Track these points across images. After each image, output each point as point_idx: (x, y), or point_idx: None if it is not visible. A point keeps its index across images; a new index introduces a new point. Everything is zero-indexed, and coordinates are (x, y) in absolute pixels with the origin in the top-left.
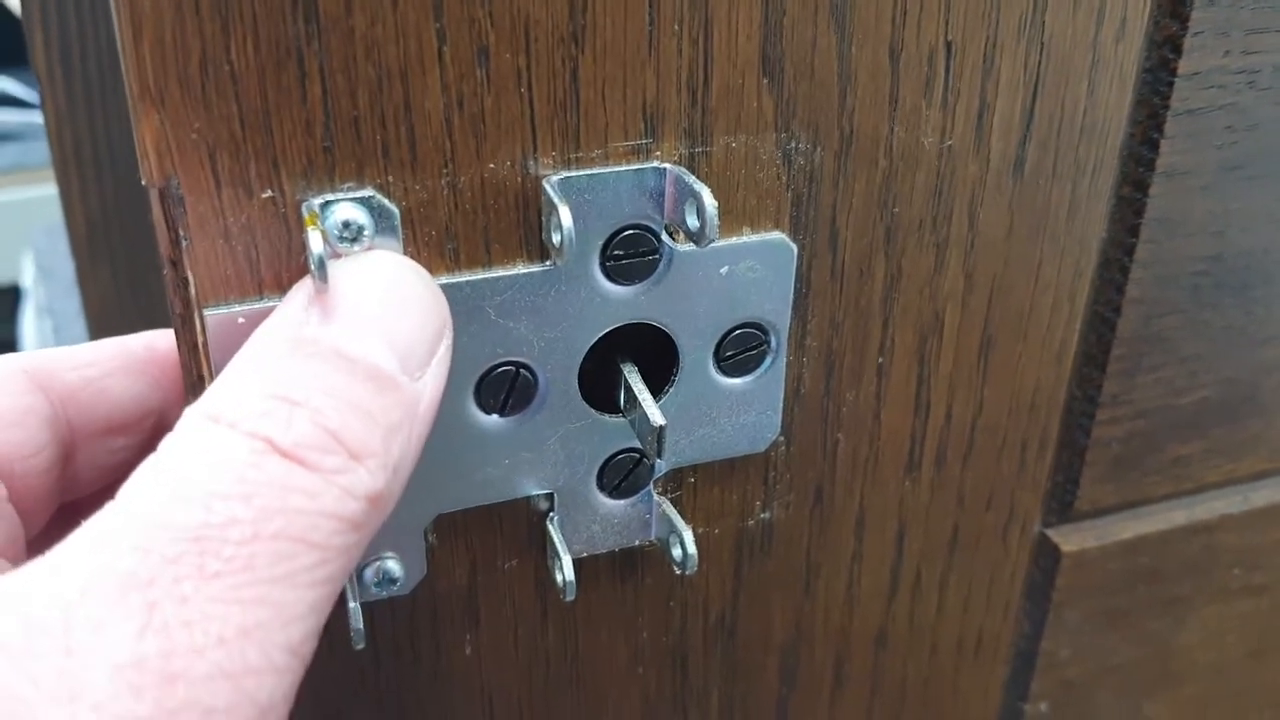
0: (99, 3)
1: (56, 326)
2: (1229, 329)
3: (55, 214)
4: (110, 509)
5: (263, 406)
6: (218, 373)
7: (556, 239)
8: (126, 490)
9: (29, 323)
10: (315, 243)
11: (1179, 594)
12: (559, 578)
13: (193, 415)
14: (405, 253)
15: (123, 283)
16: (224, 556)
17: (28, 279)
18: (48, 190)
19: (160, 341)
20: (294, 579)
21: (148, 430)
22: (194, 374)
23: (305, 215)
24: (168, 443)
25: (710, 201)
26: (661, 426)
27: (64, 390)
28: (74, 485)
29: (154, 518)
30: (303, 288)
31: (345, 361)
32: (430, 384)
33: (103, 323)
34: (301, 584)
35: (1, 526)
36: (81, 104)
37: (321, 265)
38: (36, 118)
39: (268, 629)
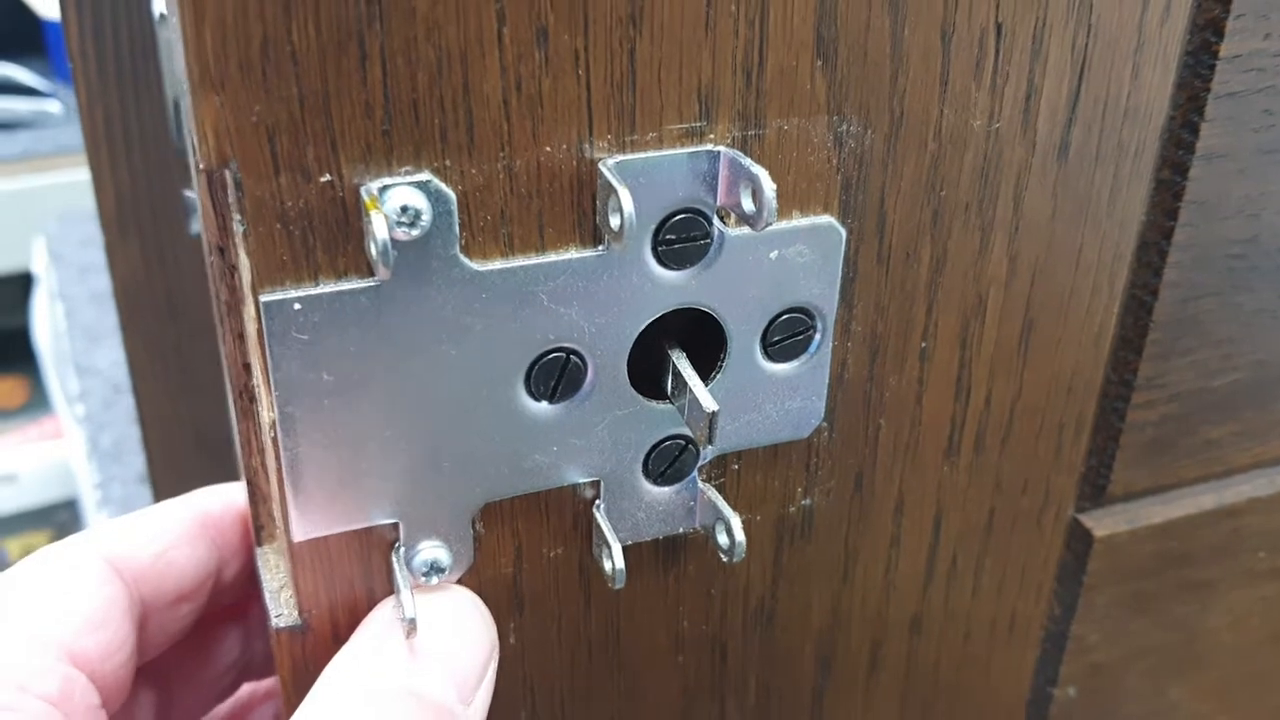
0: None
1: (68, 311)
2: (1261, 311)
3: (67, 201)
4: None
5: None
6: (273, 361)
7: (615, 223)
8: None
9: (41, 308)
10: (379, 227)
11: (1206, 578)
12: (608, 566)
13: None
14: (460, 238)
15: (152, 262)
16: None
17: (40, 265)
18: (60, 178)
19: (213, 504)
20: None
21: (208, 591)
22: (239, 363)
23: (365, 199)
24: None
25: (769, 185)
26: (714, 412)
27: (137, 570)
28: (144, 654)
29: None
30: (375, 620)
31: (419, 703)
32: (479, 705)
33: (131, 297)
34: None
35: None
36: (113, 81)
37: (385, 250)
38: (48, 106)
39: None
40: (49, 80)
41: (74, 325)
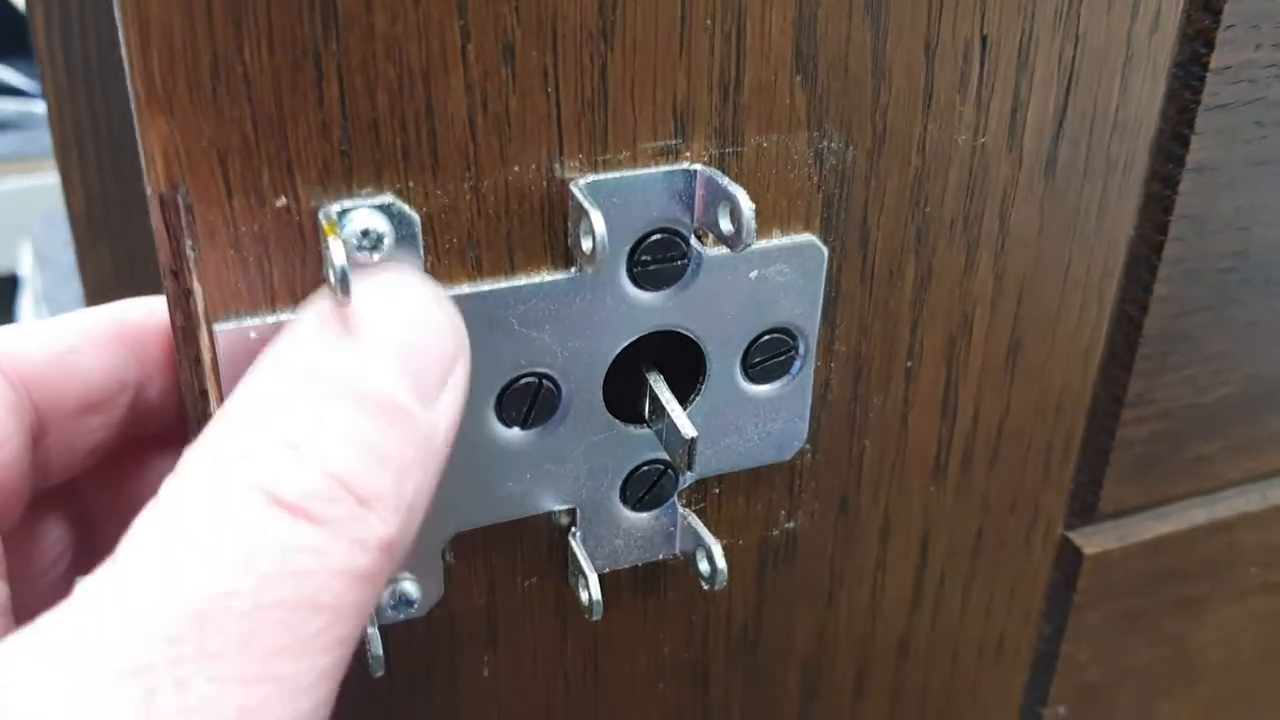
0: None
1: (54, 313)
2: (1253, 325)
3: (54, 202)
4: (108, 572)
5: (267, 453)
6: (228, 391)
7: (588, 245)
8: (126, 548)
9: (27, 311)
10: (337, 253)
11: (1198, 593)
12: (584, 596)
13: (196, 460)
14: (425, 261)
15: (122, 266)
16: (225, 632)
17: (26, 267)
18: (46, 179)
19: (134, 312)
20: (301, 648)
21: (124, 406)
22: (195, 389)
23: (324, 224)
24: (169, 490)
25: (747, 205)
26: (693, 439)
27: (28, 370)
28: (46, 472)
29: (154, 590)
30: (313, 308)
31: (352, 392)
32: (445, 411)
33: (101, 299)
34: (310, 651)
35: None
36: (82, 86)
37: (344, 278)
38: (35, 107)
39: (272, 704)
40: (34, 81)
41: None
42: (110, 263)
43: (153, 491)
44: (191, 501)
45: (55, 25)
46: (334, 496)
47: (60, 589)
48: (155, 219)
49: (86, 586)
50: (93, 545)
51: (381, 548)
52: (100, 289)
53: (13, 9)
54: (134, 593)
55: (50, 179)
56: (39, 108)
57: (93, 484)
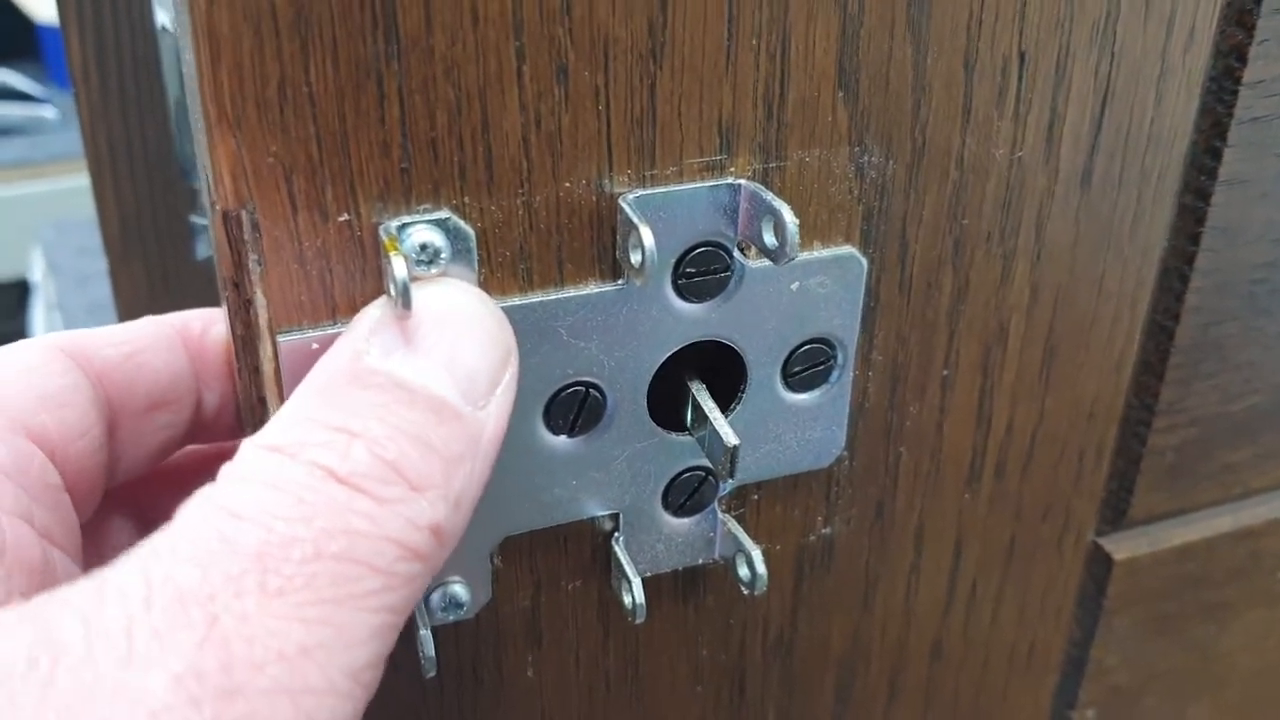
0: (134, 1)
1: (66, 321)
2: None
3: (64, 209)
4: (167, 529)
5: (321, 437)
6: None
7: (636, 259)
8: (184, 513)
9: (39, 318)
10: (399, 269)
11: (1224, 599)
12: (628, 600)
13: (250, 446)
14: (479, 274)
15: (156, 280)
16: (285, 574)
17: (37, 274)
18: (56, 185)
19: (195, 323)
20: (357, 602)
21: (189, 410)
22: (253, 397)
23: (384, 239)
24: (225, 471)
25: (791, 219)
26: (735, 446)
27: (102, 366)
28: (116, 468)
29: (214, 537)
30: (366, 316)
31: (405, 392)
32: (494, 414)
33: (133, 314)
34: (365, 608)
35: (58, 516)
36: (116, 102)
37: (405, 292)
38: (44, 112)
39: (329, 649)
40: (44, 85)
41: None
42: (145, 283)
43: None
44: (248, 476)
45: (89, 40)
46: (386, 478)
47: None
48: (217, 233)
49: (147, 541)
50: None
51: (432, 529)
52: (134, 310)
53: (20, 15)
54: (196, 540)
55: (59, 184)
56: (48, 113)
57: (152, 492)
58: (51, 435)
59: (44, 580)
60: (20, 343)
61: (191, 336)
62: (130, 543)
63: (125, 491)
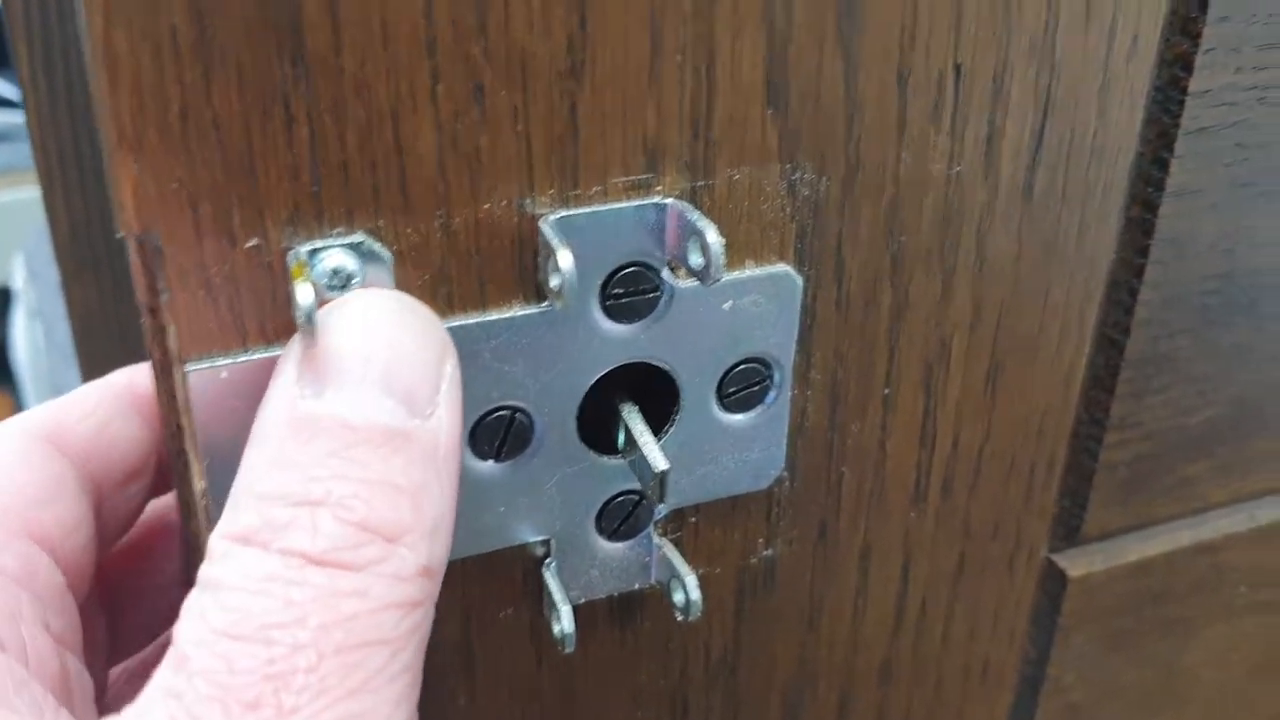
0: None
1: (47, 329)
2: (1238, 346)
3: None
4: (172, 664)
5: (284, 516)
6: (201, 432)
7: (555, 283)
8: (182, 639)
9: (20, 326)
10: (303, 295)
11: (1185, 614)
12: (557, 629)
13: (220, 540)
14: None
15: (107, 290)
16: (297, 688)
17: (19, 281)
18: (38, 192)
19: (140, 378)
20: (372, 682)
21: (153, 472)
22: (173, 423)
23: (292, 265)
24: (205, 576)
25: (716, 239)
26: (664, 471)
27: (80, 447)
28: (101, 542)
29: (222, 669)
30: (291, 354)
31: (350, 432)
32: (444, 418)
33: (89, 330)
34: (381, 683)
35: (67, 618)
36: (65, 111)
37: (310, 319)
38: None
39: None
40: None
41: (54, 342)
42: (96, 294)
43: (158, 557)
44: (231, 583)
45: (39, 51)
46: (359, 541)
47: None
48: (133, 258)
49: (156, 680)
50: (123, 612)
51: (420, 573)
52: (87, 321)
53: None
54: (205, 674)
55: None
56: None
57: (117, 560)
58: (51, 534)
59: (63, 691)
60: None
61: (141, 393)
62: (102, 622)
63: (105, 563)
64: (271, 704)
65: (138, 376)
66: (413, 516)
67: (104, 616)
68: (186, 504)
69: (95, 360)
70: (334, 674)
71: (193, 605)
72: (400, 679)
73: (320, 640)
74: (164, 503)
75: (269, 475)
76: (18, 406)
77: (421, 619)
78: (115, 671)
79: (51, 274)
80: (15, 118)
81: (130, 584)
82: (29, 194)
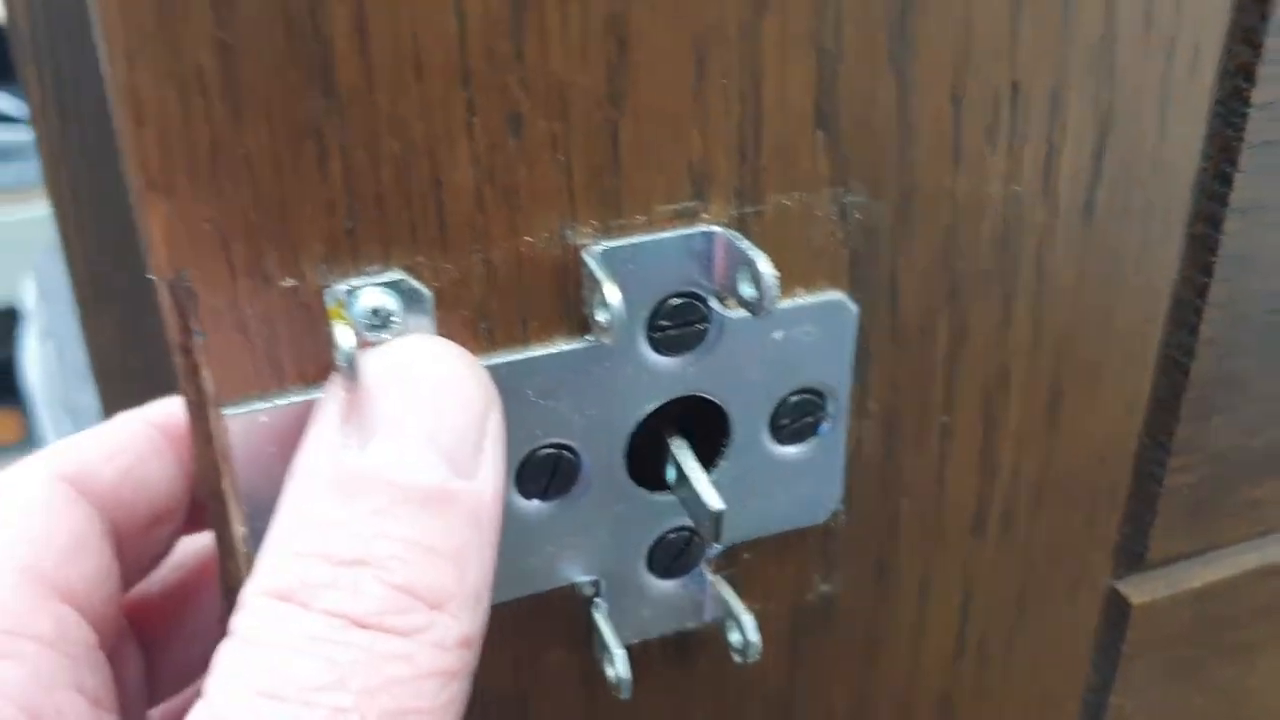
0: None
1: (60, 349)
2: None
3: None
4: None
5: (326, 575)
6: (240, 475)
7: (603, 318)
8: (216, 696)
9: (32, 346)
10: (344, 338)
11: (1249, 639)
12: (611, 673)
13: (258, 596)
14: (437, 335)
15: (128, 329)
16: None
17: (30, 301)
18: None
19: (175, 412)
20: None
21: (184, 513)
22: (209, 464)
23: (330, 305)
24: (244, 631)
25: (768, 269)
26: (720, 511)
27: (105, 491)
28: (124, 586)
29: None
30: (333, 398)
31: (397, 490)
32: (488, 475)
33: (108, 371)
34: None
35: (100, 677)
36: (77, 143)
37: (351, 363)
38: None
39: None
40: None
41: (66, 361)
42: (116, 331)
43: (200, 596)
44: (271, 641)
45: (49, 83)
46: (404, 607)
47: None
48: (164, 299)
49: None
50: (162, 652)
51: (460, 643)
52: (107, 359)
53: (4, 36)
54: None
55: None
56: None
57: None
58: (78, 591)
59: None
60: (17, 474)
61: (175, 427)
62: (139, 664)
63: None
64: None
65: (171, 409)
66: (456, 583)
67: (141, 658)
68: (225, 544)
69: (115, 392)
70: None
71: (226, 661)
72: None
73: (364, 705)
74: (202, 543)
75: (309, 531)
76: (29, 427)
77: (459, 692)
78: (155, 713)
79: (63, 293)
80: (20, 135)
81: (169, 625)
82: (38, 212)
